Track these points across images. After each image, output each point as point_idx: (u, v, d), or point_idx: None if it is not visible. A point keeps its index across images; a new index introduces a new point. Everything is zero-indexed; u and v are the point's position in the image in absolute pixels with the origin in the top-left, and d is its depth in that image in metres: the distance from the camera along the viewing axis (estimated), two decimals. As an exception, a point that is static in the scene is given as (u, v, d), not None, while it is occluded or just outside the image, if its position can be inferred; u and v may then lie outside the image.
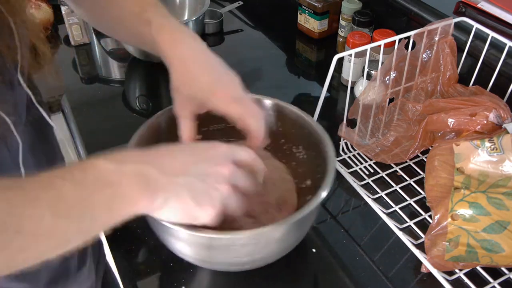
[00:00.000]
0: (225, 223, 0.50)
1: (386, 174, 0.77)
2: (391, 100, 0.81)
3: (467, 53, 0.81)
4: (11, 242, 0.36)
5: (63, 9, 1.08)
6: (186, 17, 1.18)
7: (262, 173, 0.52)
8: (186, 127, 0.56)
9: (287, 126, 0.69)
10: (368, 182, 0.75)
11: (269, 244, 0.55)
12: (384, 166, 0.78)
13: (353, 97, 0.91)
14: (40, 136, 0.54)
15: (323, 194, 0.54)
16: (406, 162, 0.78)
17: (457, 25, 0.79)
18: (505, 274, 0.62)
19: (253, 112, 0.55)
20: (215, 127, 0.70)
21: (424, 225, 0.68)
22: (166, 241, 0.57)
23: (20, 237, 0.36)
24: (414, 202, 0.72)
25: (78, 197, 0.39)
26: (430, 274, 0.61)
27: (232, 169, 0.47)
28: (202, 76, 0.54)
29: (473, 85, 0.81)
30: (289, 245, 0.59)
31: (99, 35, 1.18)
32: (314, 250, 0.66)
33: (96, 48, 1.14)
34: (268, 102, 0.68)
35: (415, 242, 0.64)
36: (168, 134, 0.63)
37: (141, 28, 0.57)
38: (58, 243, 0.39)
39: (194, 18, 1.02)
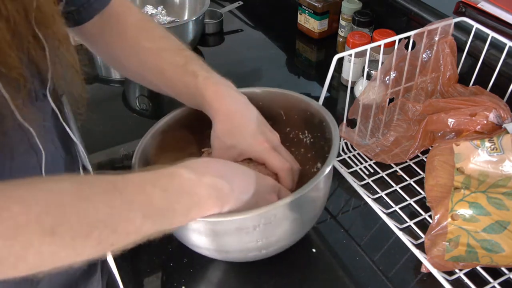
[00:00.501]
0: None
1: (386, 174, 0.77)
2: (391, 100, 0.81)
3: (467, 53, 0.81)
4: (107, 239, 0.40)
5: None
6: (186, 17, 1.18)
7: None
8: None
9: (290, 113, 0.69)
10: (368, 182, 0.75)
11: (282, 222, 0.55)
12: (384, 166, 0.78)
13: (353, 97, 0.91)
14: (64, 150, 0.55)
15: (328, 168, 0.55)
16: (406, 162, 0.78)
17: (457, 25, 0.79)
18: (505, 274, 0.62)
19: (288, 169, 0.62)
20: None
21: (424, 225, 0.68)
22: (183, 237, 0.58)
23: (115, 235, 0.41)
24: (414, 202, 0.72)
25: (164, 203, 0.45)
26: (430, 274, 0.61)
27: (275, 200, 0.55)
28: (247, 127, 0.60)
29: (473, 85, 0.81)
30: (303, 223, 0.59)
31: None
32: (314, 250, 0.66)
33: (96, 48, 1.14)
34: (263, 89, 0.69)
35: (415, 242, 0.64)
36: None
37: (185, 79, 0.61)
38: (140, 239, 0.44)
39: (194, 18, 1.02)
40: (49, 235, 0.36)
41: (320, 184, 0.56)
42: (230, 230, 0.54)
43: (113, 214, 0.41)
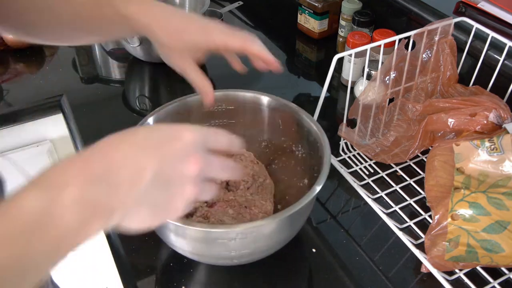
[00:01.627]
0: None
1: (386, 174, 0.77)
2: (391, 100, 0.81)
3: (467, 53, 0.81)
4: None
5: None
6: (186, 17, 1.17)
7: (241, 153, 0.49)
8: (199, 77, 0.57)
9: (288, 124, 0.69)
10: (368, 182, 0.75)
11: (258, 239, 0.55)
12: (384, 166, 0.78)
13: (353, 97, 0.91)
14: None
15: (316, 189, 0.55)
16: (406, 162, 0.78)
17: (457, 25, 0.79)
18: (505, 274, 0.62)
19: (250, 38, 0.57)
20: (216, 123, 0.70)
21: (424, 225, 0.68)
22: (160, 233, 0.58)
23: None
24: (414, 202, 0.72)
25: (9, 256, 0.31)
26: (430, 274, 0.61)
27: (202, 163, 0.40)
28: (189, 24, 0.55)
29: (473, 85, 0.81)
30: (278, 241, 0.59)
31: (99, 35, 1.18)
32: (314, 250, 0.66)
33: (96, 48, 1.14)
34: (268, 99, 0.70)
35: (415, 242, 0.64)
36: None
37: (104, 11, 0.55)
38: None
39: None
40: None
41: (304, 206, 0.54)
42: (204, 239, 0.53)
43: None
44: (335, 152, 0.80)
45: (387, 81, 0.78)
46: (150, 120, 0.65)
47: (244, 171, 0.57)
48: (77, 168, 0.36)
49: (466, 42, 0.80)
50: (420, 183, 0.74)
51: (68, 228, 0.34)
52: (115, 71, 1.09)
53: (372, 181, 0.75)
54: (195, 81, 0.58)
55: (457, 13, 0.90)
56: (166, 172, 0.39)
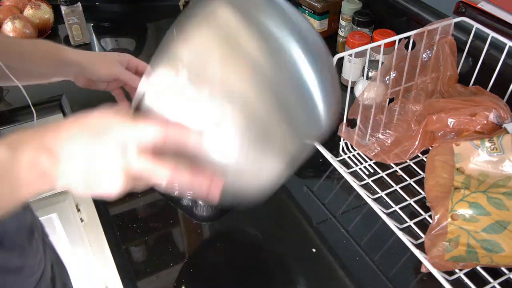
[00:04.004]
0: None
1: (386, 174, 0.77)
2: (391, 100, 0.81)
3: (467, 53, 0.81)
4: None
5: (63, 9, 1.08)
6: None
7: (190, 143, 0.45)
8: (135, 76, 0.74)
9: None
10: (368, 182, 0.75)
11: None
12: (384, 166, 0.78)
13: (353, 97, 0.91)
14: None
15: None
16: (406, 162, 0.78)
17: (457, 25, 0.79)
18: (505, 274, 0.62)
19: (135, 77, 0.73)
20: None
21: (424, 225, 0.68)
22: None
23: None
24: (414, 202, 0.72)
25: None
26: (430, 274, 0.61)
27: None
28: (107, 53, 0.75)
29: (473, 85, 0.81)
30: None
31: (99, 35, 1.18)
32: (314, 250, 0.66)
33: (96, 48, 1.14)
34: None
35: (415, 242, 0.64)
36: None
37: (41, 47, 0.71)
38: None
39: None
40: None
41: None
42: None
43: None
44: (335, 152, 0.80)
45: (387, 81, 0.78)
46: None
47: None
48: (32, 135, 0.45)
49: (466, 42, 0.80)
50: (420, 183, 0.74)
51: (22, 183, 0.43)
52: (115, 71, 1.09)
53: (372, 181, 0.75)
54: (132, 77, 0.74)
55: (457, 13, 0.90)
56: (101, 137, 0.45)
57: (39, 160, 0.43)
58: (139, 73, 0.79)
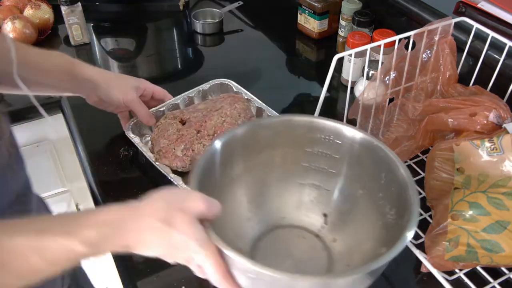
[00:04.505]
0: None
1: (386, 174, 0.77)
2: (391, 100, 0.81)
3: (467, 53, 0.81)
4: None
5: (63, 9, 1.08)
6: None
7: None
8: (149, 112, 0.79)
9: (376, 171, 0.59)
10: (368, 182, 0.75)
11: None
12: (384, 166, 0.78)
13: (353, 97, 0.91)
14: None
15: (395, 252, 0.50)
16: (406, 162, 0.78)
17: (457, 25, 0.79)
18: (505, 274, 0.62)
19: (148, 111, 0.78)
20: (319, 152, 0.64)
21: (424, 225, 0.68)
22: None
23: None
24: (414, 202, 0.72)
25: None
26: (430, 274, 0.61)
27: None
28: (123, 76, 0.79)
29: (473, 85, 0.81)
30: None
31: (99, 35, 1.18)
32: (314, 250, 0.66)
33: (96, 48, 1.14)
34: (359, 135, 0.60)
35: (415, 242, 0.64)
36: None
37: (54, 60, 0.71)
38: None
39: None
40: None
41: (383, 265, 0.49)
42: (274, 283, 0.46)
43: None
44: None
45: (387, 81, 0.78)
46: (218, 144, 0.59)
47: None
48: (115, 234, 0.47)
49: (466, 42, 0.80)
50: (420, 183, 0.74)
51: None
52: (115, 71, 1.09)
53: (372, 181, 0.75)
54: (142, 109, 0.77)
55: (457, 13, 0.90)
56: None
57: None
58: (155, 99, 0.81)
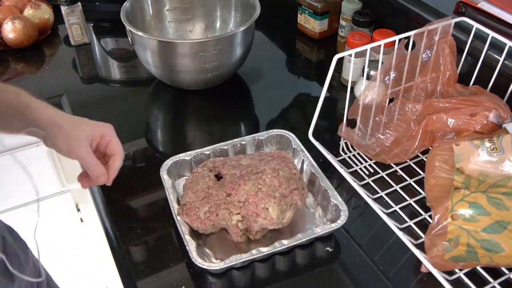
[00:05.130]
0: None
1: (386, 174, 0.77)
2: (391, 100, 0.81)
3: (467, 53, 0.81)
4: None
5: (63, 9, 1.08)
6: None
7: None
8: (97, 162, 0.63)
9: None
10: (368, 182, 0.75)
11: None
12: (384, 166, 0.78)
13: (353, 97, 0.91)
14: None
15: None
16: (406, 162, 0.78)
17: (457, 25, 0.79)
18: (505, 274, 0.62)
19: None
20: None
21: (424, 225, 0.68)
22: None
23: None
24: (414, 202, 0.72)
25: None
26: (430, 274, 0.61)
27: None
28: (81, 121, 0.66)
29: (473, 85, 0.81)
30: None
31: (99, 35, 1.18)
32: (314, 250, 0.66)
33: (96, 48, 1.14)
34: None
35: (415, 242, 0.64)
36: None
37: (7, 97, 0.63)
38: None
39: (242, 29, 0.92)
40: None
41: None
42: None
43: None
44: (335, 152, 0.80)
45: (387, 81, 0.78)
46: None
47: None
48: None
49: (466, 42, 0.80)
50: (420, 183, 0.74)
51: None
52: (115, 71, 1.09)
53: (372, 181, 0.75)
54: (94, 167, 0.62)
55: (457, 13, 0.90)
56: None
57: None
58: (108, 153, 0.66)
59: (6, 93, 0.63)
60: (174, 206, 0.67)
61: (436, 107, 0.74)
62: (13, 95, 0.63)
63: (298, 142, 0.77)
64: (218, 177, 0.70)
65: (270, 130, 0.80)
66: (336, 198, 0.67)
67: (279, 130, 0.80)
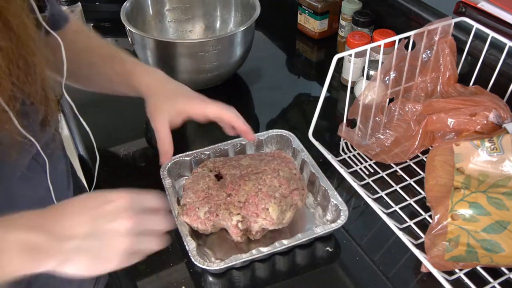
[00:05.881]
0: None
1: (386, 174, 0.77)
2: (391, 100, 0.81)
3: (467, 53, 0.81)
4: None
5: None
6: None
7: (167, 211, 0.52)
8: (167, 140, 0.64)
9: None
10: (368, 182, 0.75)
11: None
12: (384, 166, 0.78)
13: (353, 97, 0.91)
14: (64, 157, 0.60)
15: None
16: (406, 162, 0.78)
17: (457, 25, 0.79)
18: (505, 274, 0.62)
19: (226, 107, 0.65)
20: None
21: (424, 225, 0.68)
22: None
23: None
24: (414, 202, 0.72)
25: None
26: (430, 274, 0.61)
27: (135, 220, 0.47)
28: (179, 94, 0.67)
29: (473, 85, 0.81)
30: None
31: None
32: (314, 250, 0.66)
33: (96, 48, 1.14)
34: None
35: (415, 242, 0.64)
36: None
37: (116, 66, 0.68)
38: None
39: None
40: None
41: None
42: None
43: None
44: (335, 152, 0.80)
45: (387, 81, 0.78)
46: None
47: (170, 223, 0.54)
48: (23, 219, 0.45)
49: (466, 42, 0.80)
50: (420, 183, 0.74)
51: (6, 261, 0.42)
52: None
53: (372, 181, 0.75)
54: (162, 142, 0.64)
55: (457, 13, 0.90)
56: (100, 227, 0.46)
57: (28, 239, 0.43)
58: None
59: (113, 61, 0.68)
60: (174, 207, 0.67)
61: (436, 107, 0.74)
62: (119, 63, 0.68)
63: (298, 142, 0.77)
64: (218, 177, 0.70)
65: (270, 130, 0.80)
66: (336, 198, 0.67)
67: (279, 130, 0.79)
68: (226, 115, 0.65)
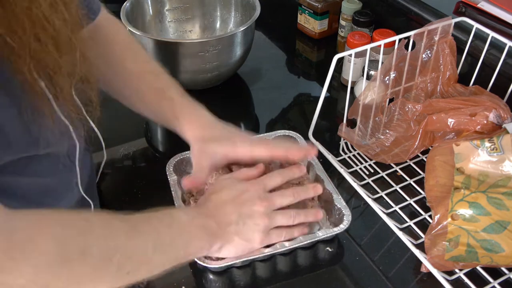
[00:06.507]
0: None
1: (386, 174, 0.77)
2: (391, 100, 0.81)
3: (467, 53, 0.81)
4: (124, 265, 0.46)
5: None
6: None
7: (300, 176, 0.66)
8: (202, 177, 0.65)
9: None
10: (368, 182, 0.75)
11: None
12: (384, 166, 0.78)
13: (353, 97, 0.91)
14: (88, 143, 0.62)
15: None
16: (406, 162, 0.78)
17: (457, 25, 0.79)
18: (505, 274, 0.62)
19: (274, 145, 0.67)
20: None
21: (424, 225, 0.68)
22: None
23: (130, 263, 0.47)
24: (414, 202, 0.72)
25: (169, 237, 0.52)
26: (430, 274, 0.61)
27: (266, 204, 0.59)
28: (222, 135, 0.66)
29: (473, 85, 0.81)
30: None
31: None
32: (315, 251, 0.66)
33: (96, 48, 1.14)
34: None
35: (415, 242, 0.64)
36: None
37: (163, 104, 0.67)
38: (149, 272, 0.51)
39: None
40: (80, 255, 0.43)
41: None
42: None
43: (129, 242, 0.47)
44: (335, 152, 0.80)
45: (387, 81, 0.78)
46: None
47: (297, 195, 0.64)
48: (200, 210, 0.60)
49: (466, 42, 0.80)
50: (420, 183, 0.74)
51: (192, 239, 0.55)
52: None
53: (372, 181, 0.75)
54: (198, 179, 0.66)
55: (457, 13, 0.90)
56: (244, 213, 0.58)
57: (207, 225, 0.56)
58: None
59: (162, 97, 0.67)
60: (180, 204, 0.67)
61: (436, 107, 0.74)
62: (167, 102, 0.66)
63: (305, 143, 0.77)
64: (230, 169, 0.70)
65: (278, 131, 0.79)
66: (340, 202, 0.67)
67: (286, 131, 0.79)
68: (276, 153, 0.65)
